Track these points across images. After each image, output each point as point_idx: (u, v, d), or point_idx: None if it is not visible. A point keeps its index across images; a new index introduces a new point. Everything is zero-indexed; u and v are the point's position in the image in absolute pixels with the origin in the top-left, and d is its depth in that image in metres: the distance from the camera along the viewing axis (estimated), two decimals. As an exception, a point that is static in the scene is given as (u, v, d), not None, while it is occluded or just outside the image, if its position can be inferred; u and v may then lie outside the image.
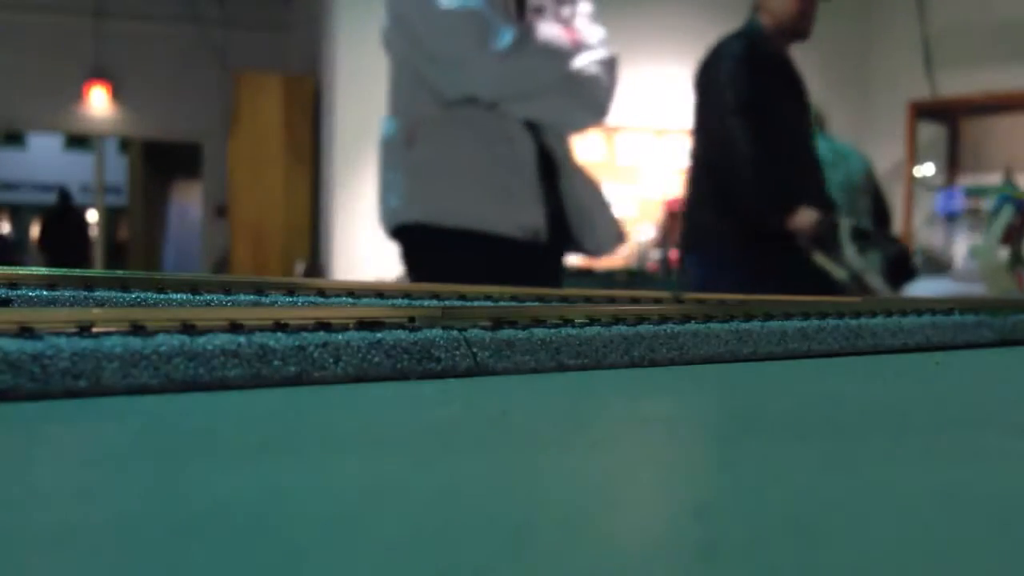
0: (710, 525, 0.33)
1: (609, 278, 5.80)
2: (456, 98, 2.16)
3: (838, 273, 2.62)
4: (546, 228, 2.19)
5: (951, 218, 6.41)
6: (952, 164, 6.65)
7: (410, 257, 2.27)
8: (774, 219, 2.64)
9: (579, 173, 2.30)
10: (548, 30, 2.18)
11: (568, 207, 2.25)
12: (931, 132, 6.65)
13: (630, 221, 6.20)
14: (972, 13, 6.44)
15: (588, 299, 0.95)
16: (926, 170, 6.64)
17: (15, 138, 13.31)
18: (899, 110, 6.43)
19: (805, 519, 0.34)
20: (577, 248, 2.33)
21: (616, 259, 6.07)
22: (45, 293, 0.76)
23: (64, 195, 10.91)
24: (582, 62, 2.20)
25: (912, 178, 6.51)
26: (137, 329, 0.57)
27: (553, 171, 2.24)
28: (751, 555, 0.30)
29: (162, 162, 11.45)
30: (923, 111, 6.46)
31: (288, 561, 0.28)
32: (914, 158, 6.50)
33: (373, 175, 7.31)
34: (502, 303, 0.90)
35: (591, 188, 2.31)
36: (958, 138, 6.67)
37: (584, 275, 5.53)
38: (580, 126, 2.37)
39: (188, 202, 11.38)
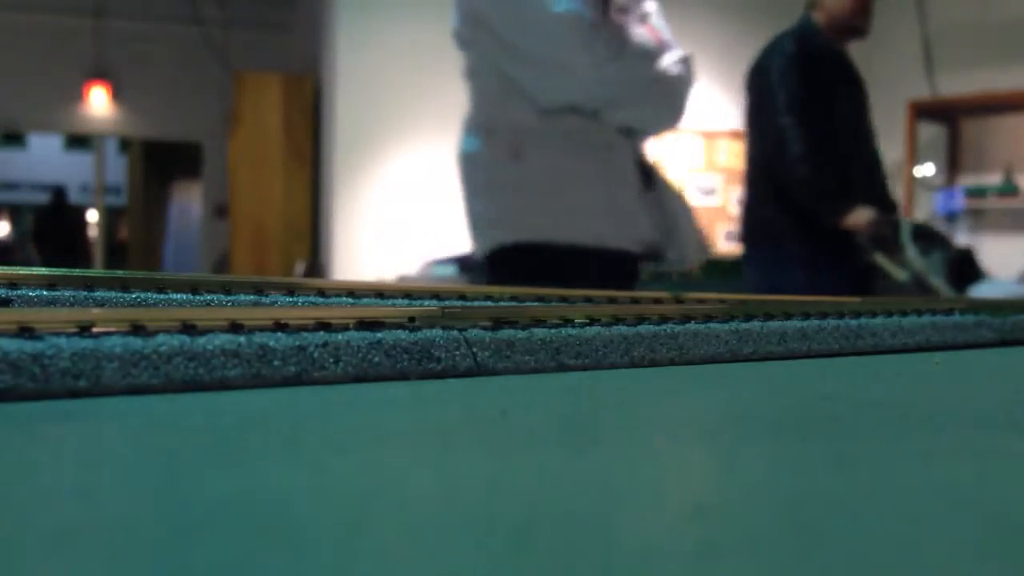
0: (710, 525, 0.33)
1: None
2: (554, 105, 2.05)
3: (898, 274, 2.57)
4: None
5: (951, 218, 6.41)
6: (952, 164, 6.65)
7: (509, 277, 2.04)
8: (830, 218, 2.61)
9: (666, 181, 2.22)
10: (638, 31, 2.10)
11: (659, 216, 2.15)
12: (931, 132, 6.64)
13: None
14: (972, 13, 6.44)
15: (588, 299, 0.95)
16: (926, 170, 6.63)
17: (15, 138, 13.29)
18: (899, 110, 6.42)
19: (805, 519, 0.34)
20: (658, 257, 2.21)
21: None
22: (45, 293, 0.76)
23: (58, 192, 10.89)
24: (666, 62, 2.12)
25: (912, 178, 6.50)
26: (137, 329, 0.57)
27: (648, 179, 2.16)
28: (751, 555, 0.30)
29: (162, 162, 11.44)
30: (923, 111, 6.46)
31: (289, 560, 0.28)
32: (914, 158, 6.49)
33: (373, 175, 7.20)
34: (502, 303, 0.90)
35: (679, 197, 2.24)
36: (958, 138, 6.66)
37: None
38: (662, 129, 2.30)
39: (188, 202, 11.37)
